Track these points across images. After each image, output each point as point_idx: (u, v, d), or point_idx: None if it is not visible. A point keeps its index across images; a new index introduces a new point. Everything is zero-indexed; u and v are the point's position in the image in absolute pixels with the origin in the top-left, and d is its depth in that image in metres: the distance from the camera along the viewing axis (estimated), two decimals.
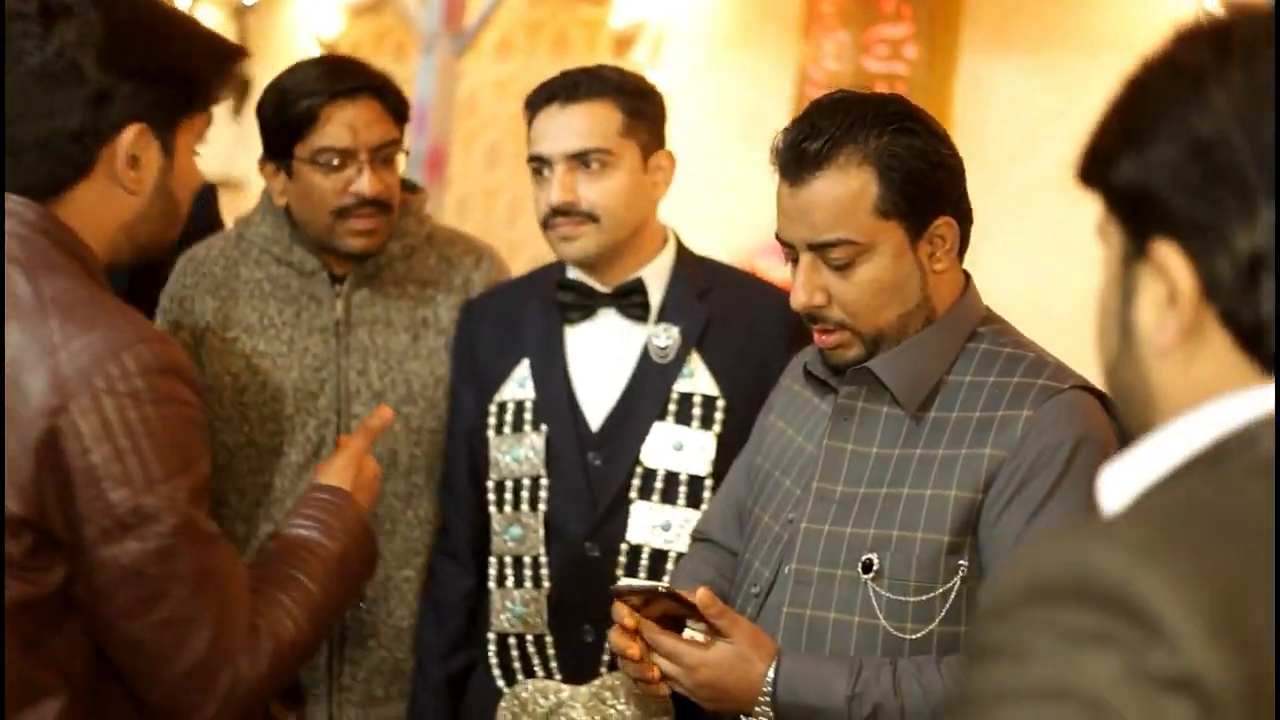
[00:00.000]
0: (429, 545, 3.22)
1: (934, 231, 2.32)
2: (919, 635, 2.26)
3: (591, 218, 2.92)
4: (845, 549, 2.32)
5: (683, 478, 2.91)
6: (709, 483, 2.89)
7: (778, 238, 2.38)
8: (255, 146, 3.20)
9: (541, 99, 2.96)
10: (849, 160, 2.28)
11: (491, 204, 7.98)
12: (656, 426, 2.92)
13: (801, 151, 2.31)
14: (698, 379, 2.94)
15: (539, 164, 2.95)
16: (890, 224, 2.30)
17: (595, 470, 2.95)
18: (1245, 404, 1.21)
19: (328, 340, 3.19)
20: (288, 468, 3.18)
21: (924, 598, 2.26)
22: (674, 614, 2.35)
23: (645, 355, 2.97)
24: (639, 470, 2.92)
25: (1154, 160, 1.23)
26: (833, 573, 2.33)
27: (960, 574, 2.24)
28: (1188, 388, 1.25)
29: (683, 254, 3.06)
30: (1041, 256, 5.70)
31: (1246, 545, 1.10)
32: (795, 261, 2.36)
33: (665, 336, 2.96)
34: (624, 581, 2.40)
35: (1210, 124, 1.20)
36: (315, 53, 8.44)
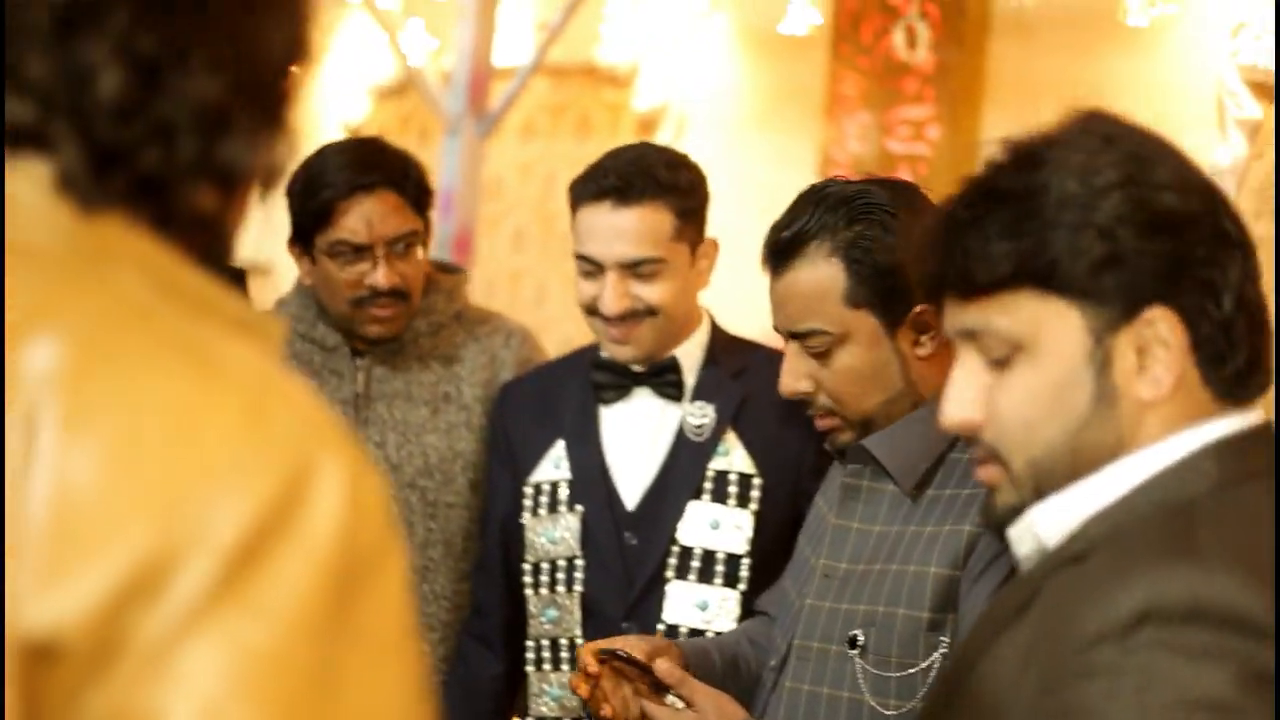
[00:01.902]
0: (444, 621, 3.23)
1: (915, 319, 2.34)
2: (902, 711, 2.27)
3: (648, 314, 2.90)
4: (839, 625, 2.34)
5: (720, 556, 2.89)
6: (746, 561, 2.87)
7: (773, 327, 2.45)
8: (283, 231, 3.24)
9: (590, 194, 2.90)
10: (818, 251, 2.34)
11: (517, 286, 7.99)
12: (692, 505, 2.91)
13: (777, 242, 2.38)
14: (733, 457, 2.93)
15: (588, 264, 2.91)
16: (861, 313, 2.35)
17: (631, 550, 2.94)
18: (1185, 441, 1.45)
19: (347, 413, 3.23)
20: None
21: (906, 673, 2.27)
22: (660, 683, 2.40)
23: (680, 434, 2.96)
24: (675, 549, 2.90)
25: (1123, 240, 1.45)
26: (827, 648, 2.35)
27: (940, 649, 2.26)
28: (1158, 425, 1.46)
29: (717, 333, 3.06)
30: None
31: (1267, 556, 1.35)
32: None
33: (700, 415, 2.96)
34: (596, 643, 2.43)
35: (1175, 199, 1.45)
36: (341, 138, 8.49)
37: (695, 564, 2.90)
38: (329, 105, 9.27)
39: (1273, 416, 1.52)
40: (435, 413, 3.24)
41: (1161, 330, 1.46)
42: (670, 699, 2.37)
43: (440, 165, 6.22)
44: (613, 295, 2.88)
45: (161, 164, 1.03)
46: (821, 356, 2.36)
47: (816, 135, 6.39)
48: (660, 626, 2.89)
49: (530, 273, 8.05)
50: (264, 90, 1.08)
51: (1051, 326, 1.48)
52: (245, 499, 0.93)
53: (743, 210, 6.40)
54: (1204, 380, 1.48)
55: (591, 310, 2.93)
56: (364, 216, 3.12)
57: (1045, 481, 1.52)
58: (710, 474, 2.92)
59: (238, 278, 3.81)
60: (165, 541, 0.91)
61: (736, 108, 6.93)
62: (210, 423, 0.95)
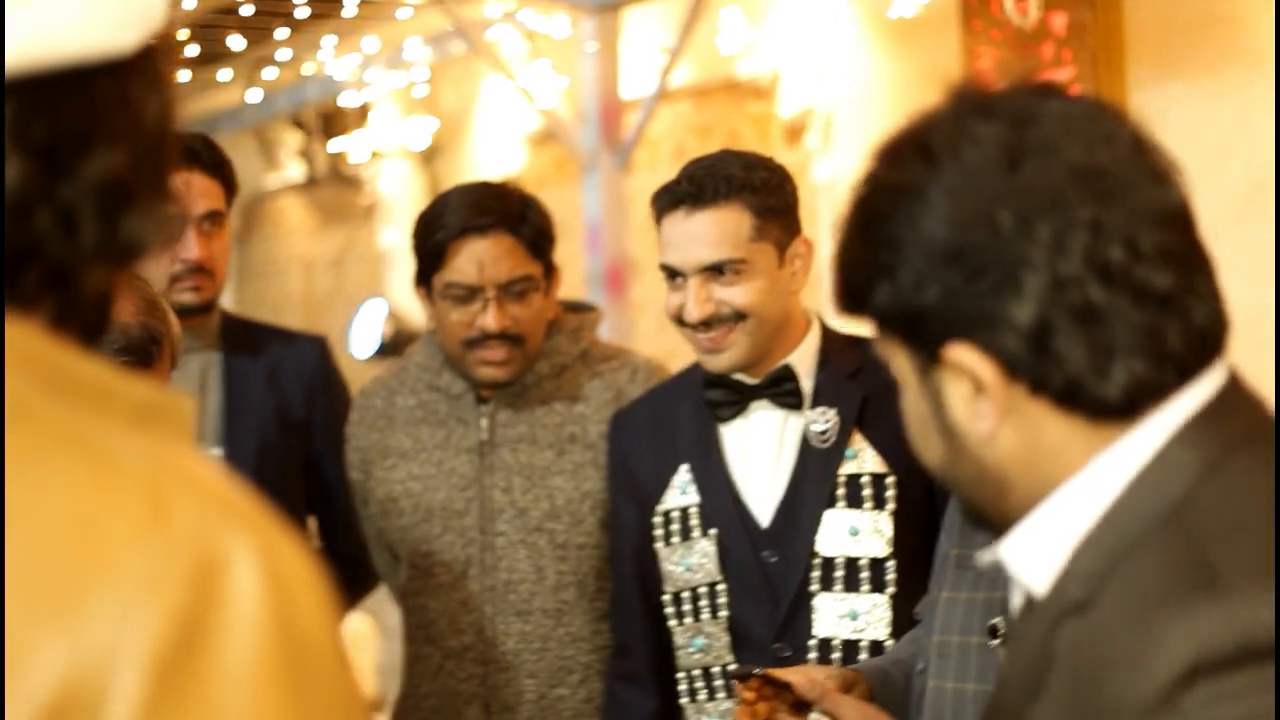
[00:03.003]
0: (583, 664, 3.21)
1: None
2: None
3: (737, 318, 2.84)
4: (978, 615, 2.22)
5: (863, 563, 2.81)
6: (891, 564, 2.79)
7: None
8: None
9: (666, 203, 2.87)
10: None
11: None
12: (828, 514, 2.83)
13: None
14: (863, 459, 2.84)
15: (671, 273, 2.88)
16: None
17: (772, 568, 2.86)
18: (1136, 444, 1.30)
19: (473, 460, 3.24)
20: (439, 588, 3.26)
21: None
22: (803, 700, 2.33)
23: (805, 443, 2.88)
24: (817, 562, 2.82)
25: (909, 281, 1.30)
26: (968, 640, 2.23)
27: None
28: (1029, 454, 1.33)
29: (828, 335, 2.97)
30: (1227, 282, 5.51)
31: (1264, 538, 1.23)
32: None
33: (823, 421, 2.87)
34: (736, 668, 2.39)
35: (947, 229, 1.28)
36: None
37: (839, 574, 2.82)
38: (487, 158, 9.35)
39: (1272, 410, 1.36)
40: (561, 454, 3.22)
41: (969, 365, 1.31)
42: (814, 716, 2.31)
43: (583, 201, 6.24)
44: (694, 300, 2.83)
45: (67, 252, 1.00)
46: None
47: None
48: (812, 642, 2.81)
49: None
50: (155, 158, 1.05)
51: (898, 363, 1.40)
52: (157, 604, 0.88)
53: None
54: (1062, 404, 1.31)
55: (680, 321, 2.88)
56: (475, 258, 3.12)
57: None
58: (842, 479, 2.84)
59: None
60: (82, 661, 0.86)
61: (879, 100, 6.84)
62: (110, 528, 0.90)
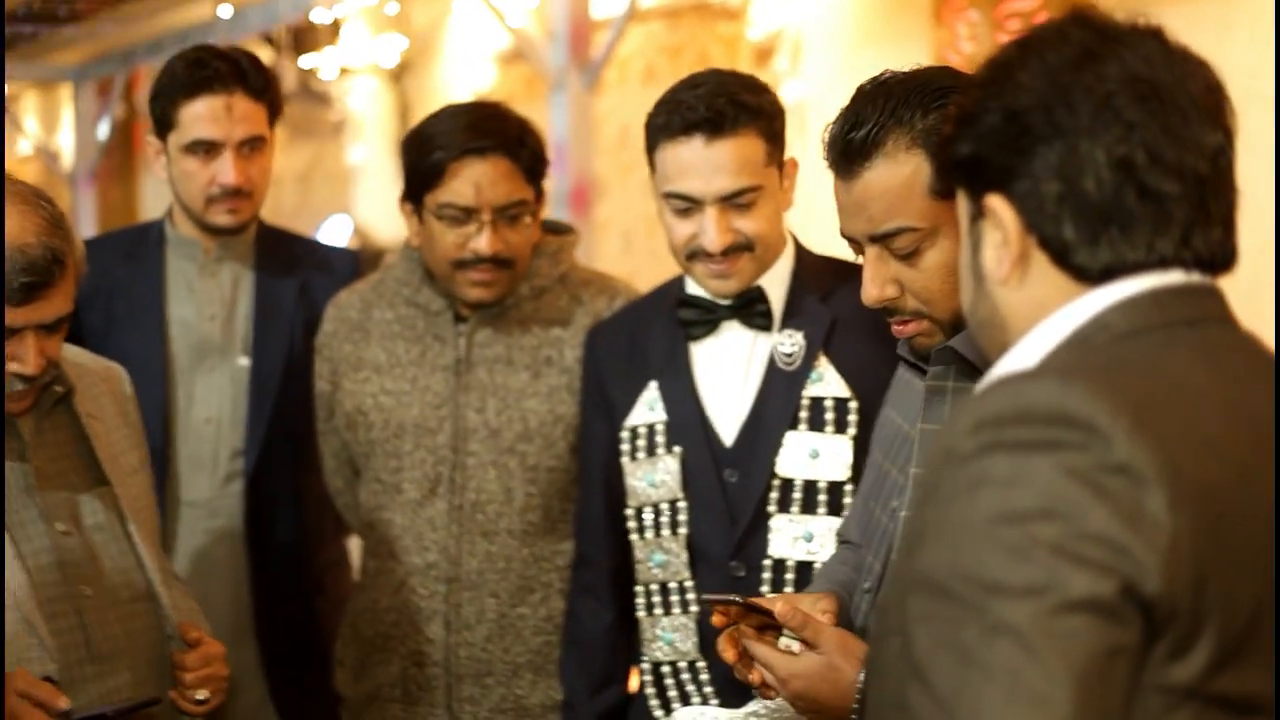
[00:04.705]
0: (544, 583, 3.25)
1: None
2: None
3: (747, 248, 2.84)
4: None
5: (821, 486, 2.82)
6: (849, 488, 2.79)
7: (842, 234, 2.31)
8: None
9: (678, 128, 2.80)
10: (896, 146, 2.20)
11: (655, 233, 7.91)
12: (790, 436, 2.84)
13: (848, 143, 2.23)
14: (827, 382, 2.85)
15: (684, 202, 2.82)
16: (948, 204, 2.22)
17: (731, 487, 2.88)
18: (1087, 304, 1.53)
19: (448, 378, 3.25)
20: (406, 504, 3.27)
21: None
22: (774, 624, 2.28)
23: (772, 364, 2.89)
24: (776, 483, 2.83)
25: (981, 132, 1.58)
26: None
27: None
28: (1027, 305, 1.58)
29: (802, 256, 2.97)
30: None
31: (1134, 375, 1.44)
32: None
33: (790, 343, 2.88)
34: (709, 595, 2.34)
35: (1016, 98, 1.55)
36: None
37: (797, 496, 2.83)
38: (458, 76, 9.33)
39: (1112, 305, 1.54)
40: (536, 377, 3.24)
41: (1000, 215, 1.57)
42: (784, 642, 2.27)
43: (550, 120, 6.22)
44: (716, 230, 2.80)
45: None
46: (909, 257, 2.23)
47: (928, 42, 6.27)
48: (766, 562, 2.84)
49: None
50: None
51: (962, 213, 1.66)
52: None
53: None
54: (1056, 261, 1.56)
55: (690, 249, 2.85)
56: (473, 180, 3.12)
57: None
58: (805, 402, 2.85)
59: (351, 260, 3.88)
60: None
61: (847, 25, 6.83)
62: None
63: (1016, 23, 5.90)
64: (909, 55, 6.99)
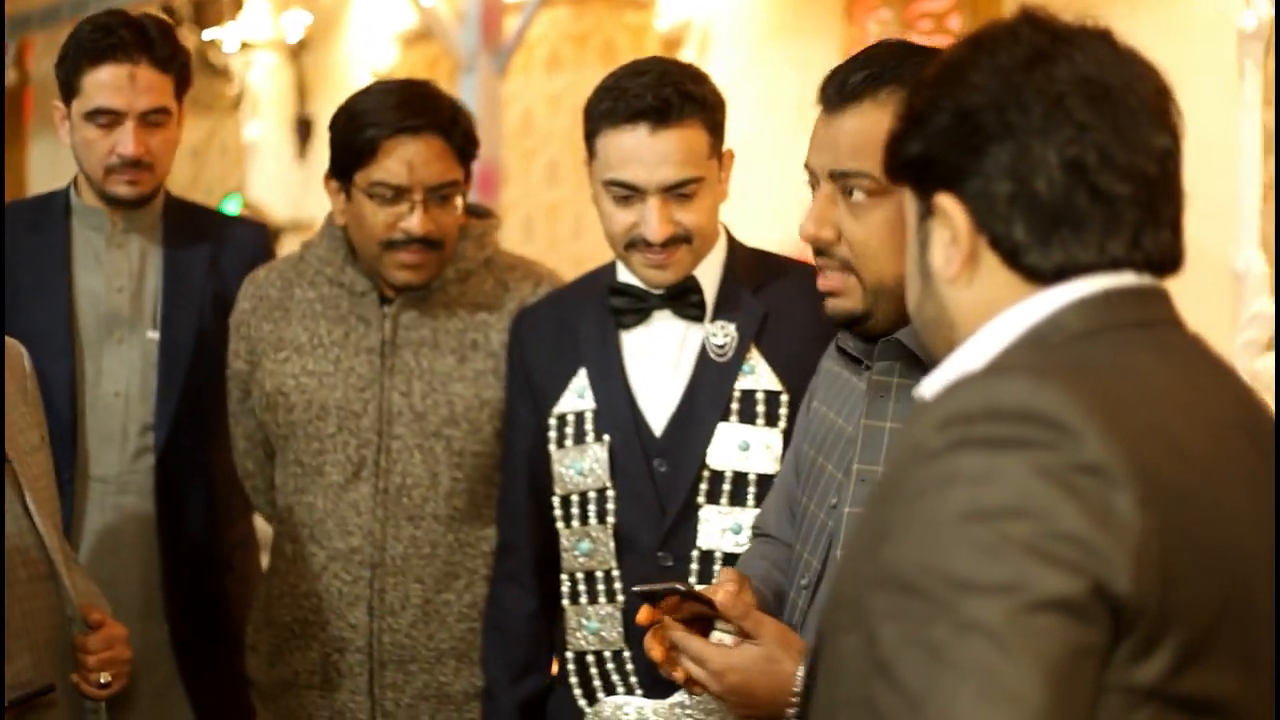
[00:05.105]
0: (469, 569, 3.23)
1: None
2: None
3: (686, 240, 2.84)
4: None
5: (751, 478, 2.82)
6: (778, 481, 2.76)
7: (805, 166, 2.31)
8: (322, 188, 3.23)
9: (623, 115, 2.78)
10: (889, 98, 2.19)
11: (555, 220, 7.97)
12: (721, 427, 2.84)
13: (843, 83, 2.25)
14: (759, 375, 2.85)
15: (625, 190, 2.81)
16: None
17: (661, 477, 2.87)
18: (1040, 303, 1.54)
19: (373, 361, 3.21)
20: (329, 488, 3.23)
21: None
22: (705, 615, 2.24)
23: (704, 355, 2.88)
24: (706, 474, 2.83)
25: (931, 131, 1.58)
26: None
27: None
28: (976, 304, 1.58)
29: (735, 248, 2.97)
30: None
31: (1102, 375, 1.45)
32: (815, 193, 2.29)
33: (722, 334, 2.88)
34: (643, 586, 2.26)
35: (970, 97, 1.55)
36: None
37: (726, 487, 2.83)
38: (358, 55, 9.26)
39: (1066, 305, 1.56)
40: (462, 361, 3.21)
41: (950, 214, 1.58)
42: (715, 636, 2.23)
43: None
44: (658, 220, 2.79)
45: None
46: (858, 207, 2.23)
47: (839, 38, 6.31)
48: (694, 553, 2.83)
49: (567, 205, 8.02)
50: None
51: (909, 213, 1.67)
52: None
53: (770, 120, 6.34)
54: (1006, 261, 1.57)
55: (629, 239, 2.84)
56: (406, 159, 3.08)
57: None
58: (737, 394, 2.85)
59: (264, 236, 3.84)
60: None
61: (757, 19, 6.86)
62: None
63: (928, 23, 5.95)
64: (819, 51, 7.10)
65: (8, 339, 2.76)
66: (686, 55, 7.12)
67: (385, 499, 3.20)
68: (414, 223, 3.09)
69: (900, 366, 2.29)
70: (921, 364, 2.22)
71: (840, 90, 2.25)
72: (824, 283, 2.31)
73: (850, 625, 1.44)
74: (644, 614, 2.25)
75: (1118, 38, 1.59)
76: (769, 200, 5.85)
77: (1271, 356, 4.21)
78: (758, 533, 2.66)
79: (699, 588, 2.26)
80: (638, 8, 7.47)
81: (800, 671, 2.13)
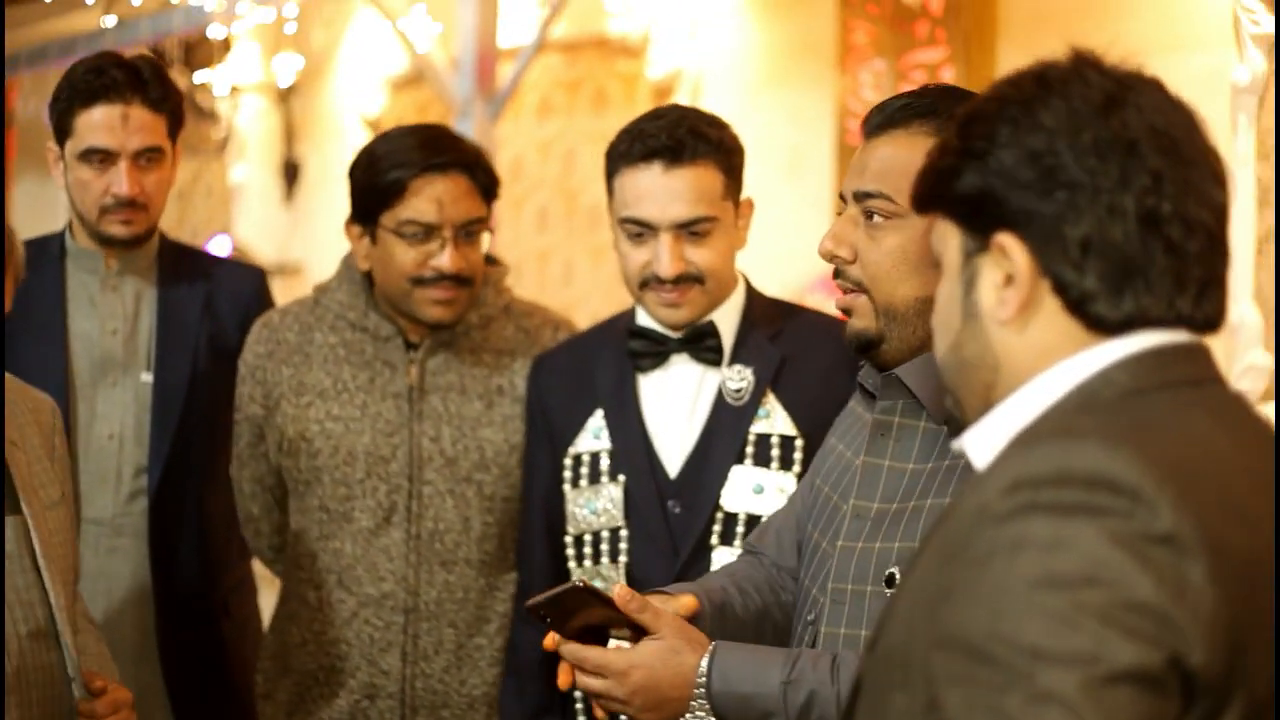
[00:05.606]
0: (500, 613, 3.23)
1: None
2: None
3: (698, 280, 2.89)
4: (875, 565, 2.26)
5: (764, 520, 2.81)
6: None
7: (840, 192, 2.39)
8: (309, 232, 3.23)
9: (638, 155, 2.87)
10: (920, 130, 2.26)
11: (545, 266, 7.96)
12: (735, 470, 2.88)
13: (883, 111, 2.32)
14: (774, 420, 2.90)
15: (639, 227, 2.88)
16: None
17: (675, 518, 2.90)
18: (1097, 356, 1.51)
19: (401, 406, 3.22)
20: (359, 533, 3.22)
21: None
22: (597, 625, 2.26)
23: (720, 399, 2.93)
24: (719, 516, 2.87)
25: (994, 168, 1.54)
26: (863, 589, 2.27)
27: None
28: (1029, 349, 1.55)
29: (753, 295, 3.03)
30: None
31: (1168, 440, 1.42)
32: None
33: (739, 379, 2.92)
34: (539, 596, 2.27)
35: (1040, 140, 1.52)
36: (361, 133, 8.48)
37: (740, 530, 2.86)
38: (347, 100, 9.26)
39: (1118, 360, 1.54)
40: (490, 406, 3.23)
41: (1012, 255, 1.54)
42: (613, 643, 2.26)
43: None
44: (669, 257, 2.85)
45: None
46: (876, 229, 2.29)
47: (832, 88, 6.32)
48: None
49: (557, 251, 8.02)
50: None
51: (949, 247, 1.62)
52: None
53: (764, 170, 6.36)
54: (1067, 308, 1.53)
55: (643, 277, 2.89)
56: (435, 197, 3.11)
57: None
58: (752, 437, 2.89)
59: (258, 279, 3.83)
60: None
61: (750, 68, 6.87)
62: None
63: (921, 74, 5.97)
64: (811, 101, 7.11)
65: (42, 395, 2.80)
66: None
67: (418, 544, 3.20)
68: (445, 260, 3.11)
69: (903, 405, 2.33)
70: (920, 403, 2.28)
71: (881, 119, 2.32)
72: (838, 300, 2.37)
73: (902, 683, 1.43)
74: (549, 641, 2.27)
75: (1169, 87, 1.58)
76: (761, 248, 5.87)
77: (1267, 408, 4.22)
78: (747, 550, 2.67)
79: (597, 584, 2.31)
80: (629, 56, 7.48)
81: (703, 664, 2.18)
